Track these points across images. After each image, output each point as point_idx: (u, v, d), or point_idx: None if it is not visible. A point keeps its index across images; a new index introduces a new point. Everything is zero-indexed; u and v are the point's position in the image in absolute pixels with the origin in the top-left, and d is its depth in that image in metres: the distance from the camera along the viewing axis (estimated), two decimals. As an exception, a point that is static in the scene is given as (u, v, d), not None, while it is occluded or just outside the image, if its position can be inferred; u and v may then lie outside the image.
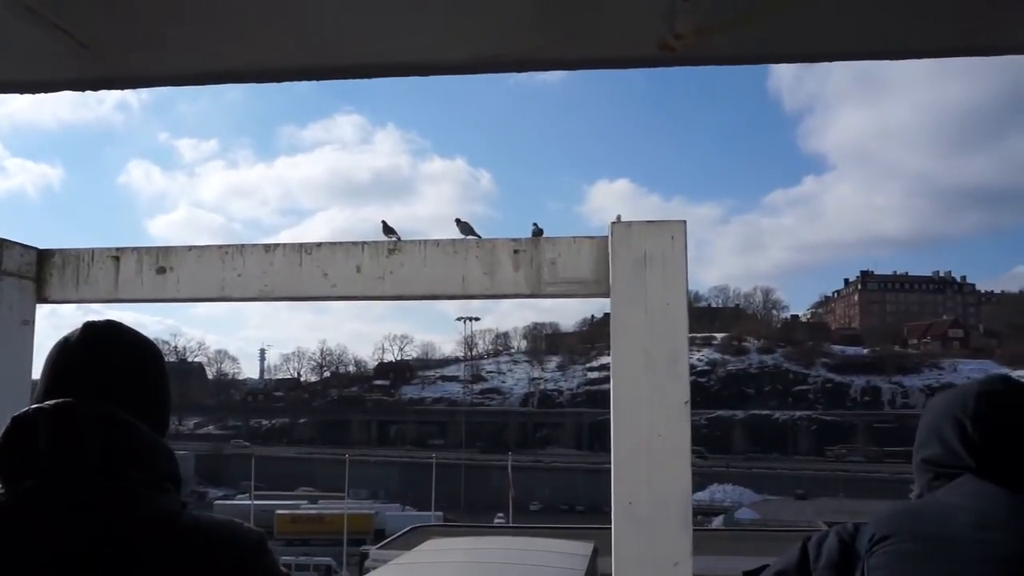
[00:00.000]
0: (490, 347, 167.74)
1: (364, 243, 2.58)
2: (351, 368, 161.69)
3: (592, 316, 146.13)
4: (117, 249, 2.77)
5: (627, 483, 2.31)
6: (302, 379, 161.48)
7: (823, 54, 1.54)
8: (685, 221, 2.38)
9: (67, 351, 1.61)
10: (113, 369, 1.59)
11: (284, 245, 2.56)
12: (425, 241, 2.58)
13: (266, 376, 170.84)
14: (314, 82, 1.56)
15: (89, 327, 1.62)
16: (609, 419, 2.35)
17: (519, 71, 1.56)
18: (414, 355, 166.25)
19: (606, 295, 2.51)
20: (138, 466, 1.48)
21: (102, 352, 1.60)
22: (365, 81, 1.56)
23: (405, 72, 1.54)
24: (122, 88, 1.65)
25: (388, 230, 3.32)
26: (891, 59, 1.53)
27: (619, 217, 2.38)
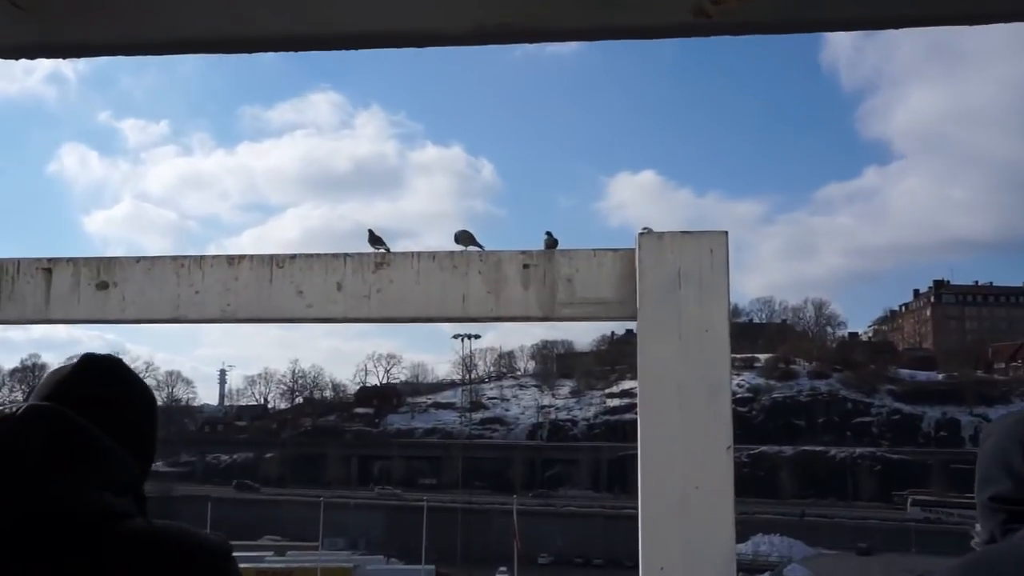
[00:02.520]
0: (492, 369, 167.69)
1: (346, 255, 2.56)
2: (328, 393, 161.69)
3: (612, 333, 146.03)
4: (49, 260, 2.77)
5: (658, 544, 2.29)
6: (269, 406, 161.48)
7: (889, 19, 1.49)
8: (726, 232, 2.36)
9: (59, 383, 1.69)
10: (105, 403, 1.68)
11: (251, 257, 2.55)
12: (419, 253, 2.57)
13: (226, 402, 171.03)
14: (286, 54, 1.52)
15: (87, 359, 1.72)
16: (632, 455, 2.33)
17: (528, 42, 1.53)
18: (402, 378, 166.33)
19: (632, 318, 2.48)
20: (88, 466, 1.54)
21: (97, 385, 1.70)
22: (347, 53, 1.53)
23: (396, 43, 1.52)
24: (61, 56, 1.64)
25: (375, 240, 3.31)
26: (972, 24, 1.48)
27: (647, 230, 2.36)
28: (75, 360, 1.74)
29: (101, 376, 1.72)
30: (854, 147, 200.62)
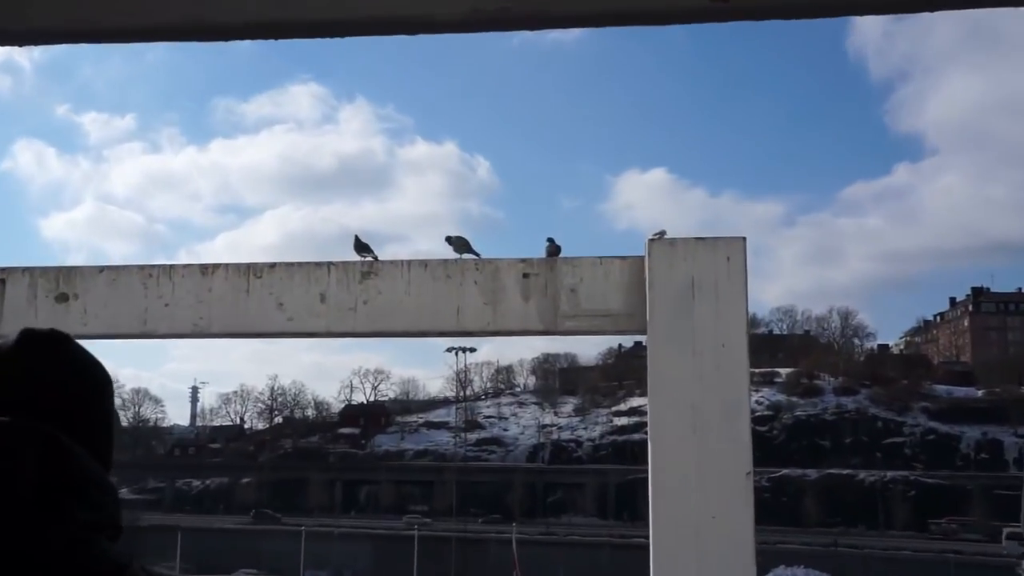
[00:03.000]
0: (489, 385, 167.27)
1: (330, 264, 2.56)
2: (309, 412, 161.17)
3: (620, 346, 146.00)
4: (3, 269, 2.76)
5: (671, 580, 2.28)
6: (246, 426, 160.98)
7: (922, 1, 1.48)
8: (744, 238, 2.36)
9: None
10: (51, 385, 1.59)
11: (226, 266, 2.54)
12: (409, 262, 2.56)
13: (199, 422, 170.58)
14: (264, 42, 1.50)
15: (26, 335, 1.62)
16: (643, 479, 2.31)
17: (528, 28, 1.52)
18: (391, 395, 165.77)
19: (642, 332, 2.47)
20: (82, 503, 1.47)
21: (40, 365, 1.60)
22: (329, 41, 1.51)
23: (384, 30, 1.51)
24: (16, 44, 1.63)
25: (361, 247, 3.31)
26: (1015, 6, 1.47)
27: (661, 233, 2.36)
28: (12, 338, 1.62)
29: (44, 354, 1.61)
30: (883, 142, 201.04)
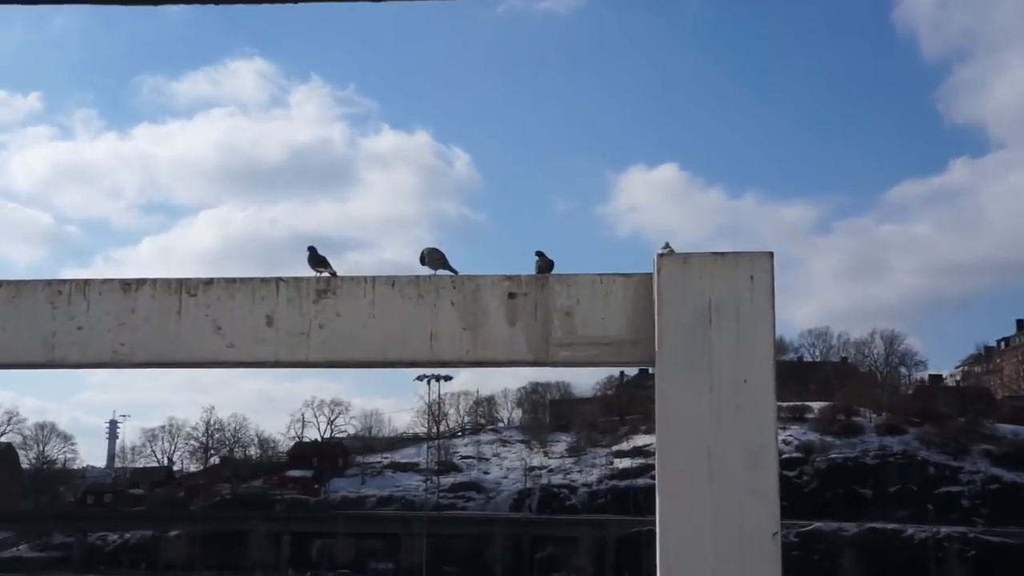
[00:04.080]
0: (466, 419, 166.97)
1: (279, 280, 2.54)
2: (252, 451, 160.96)
3: (621, 374, 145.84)
4: None
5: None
6: (175, 468, 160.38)
7: None
8: (771, 253, 2.35)
9: None
10: None
11: (154, 282, 2.52)
12: (374, 278, 2.55)
13: (117, 464, 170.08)
14: (200, 7, 1.49)
15: None
16: (648, 532, 2.31)
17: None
18: (350, 431, 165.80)
19: (649, 363, 2.46)
20: None
21: None
22: (278, 8, 1.50)
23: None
24: None
25: (317, 260, 3.31)
26: None
27: (667, 246, 2.37)
28: None
29: None
30: (936, 134, 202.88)
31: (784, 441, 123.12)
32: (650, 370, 2.58)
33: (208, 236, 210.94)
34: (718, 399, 2.45)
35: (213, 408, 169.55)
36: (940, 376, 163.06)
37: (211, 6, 1.62)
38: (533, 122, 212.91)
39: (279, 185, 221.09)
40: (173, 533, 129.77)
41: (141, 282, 2.61)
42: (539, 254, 2.97)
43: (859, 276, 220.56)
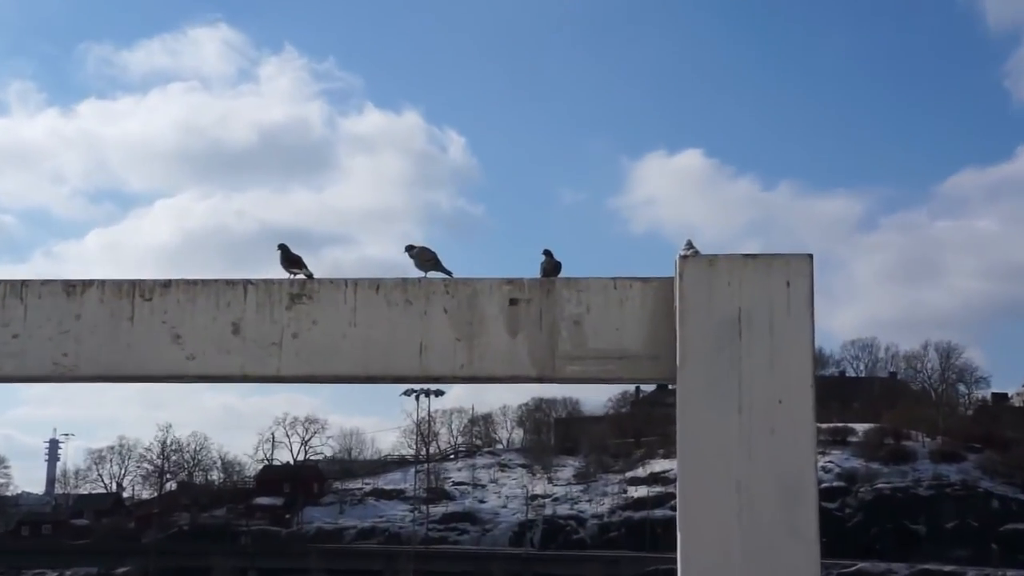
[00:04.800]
0: (460, 441, 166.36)
1: (247, 282, 2.52)
2: (215, 475, 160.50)
3: (637, 390, 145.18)
4: None
5: None
6: (126, 495, 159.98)
7: None
8: (810, 256, 2.34)
9: None
10: None
11: (102, 283, 2.50)
12: (356, 281, 2.53)
13: (58, 489, 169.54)
14: None
15: None
16: (668, 569, 2.30)
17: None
18: (327, 453, 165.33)
19: (670, 380, 2.45)
20: None
21: None
22: None
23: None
24: None
25: (291, 260, 3.30)
26: None
27: (690, 245, 2.35)
28: None
29: None
30: (1002, 116, 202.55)
31: (824, 468, 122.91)
32: (671, 386, 2.57)
33: (165, 229, 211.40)
34: (749, 422, 2.45)
35: (170, 426, 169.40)
36: (1005, 395, 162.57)
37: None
38: (538, 101, 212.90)
39: (247, 171, 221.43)
40: (122, 570, 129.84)
41: (87, 283, 2.60)
42: (546, 253, 2.96)
43: (910, 279, 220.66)
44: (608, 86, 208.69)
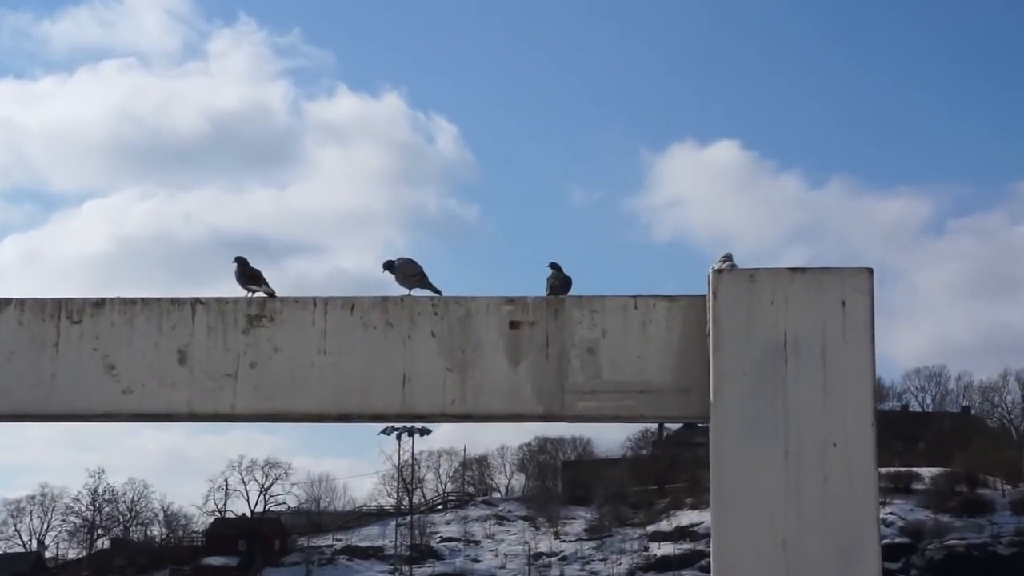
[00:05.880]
0: (450, 488, 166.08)
1: (196, 301, 2.54)
2: (156, 531, 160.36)
3: (661, 428, 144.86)
4: None
5: None
6: (48, 555, 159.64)
7: None
8: (870, 270, 2.35)
9: None
10: None
11: (21, 302, 2.53)
12: (326, 300, 2.55)
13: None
14: None
15: None
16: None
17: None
18: (291, 503, 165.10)
19: (701, 418, 2.47)
20: None
21: None
22: None
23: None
24: None
25: (249, 275, 3.33)
26: None
27: (728, 258, 2.35)
28: None
29: None
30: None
31: (885, 521, 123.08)
32: (701, 424, 2.60)
33: (97, 236, 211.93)
34: (797, 468, 2.47)
35: (102, 472, 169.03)
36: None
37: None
38: (543, 84, 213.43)
39: (195, 167, 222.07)
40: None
41: (4, 302, 2.62)
42: (553, 267, 2.98)
43: (986, 295, 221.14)
44: (625, 66, 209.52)
